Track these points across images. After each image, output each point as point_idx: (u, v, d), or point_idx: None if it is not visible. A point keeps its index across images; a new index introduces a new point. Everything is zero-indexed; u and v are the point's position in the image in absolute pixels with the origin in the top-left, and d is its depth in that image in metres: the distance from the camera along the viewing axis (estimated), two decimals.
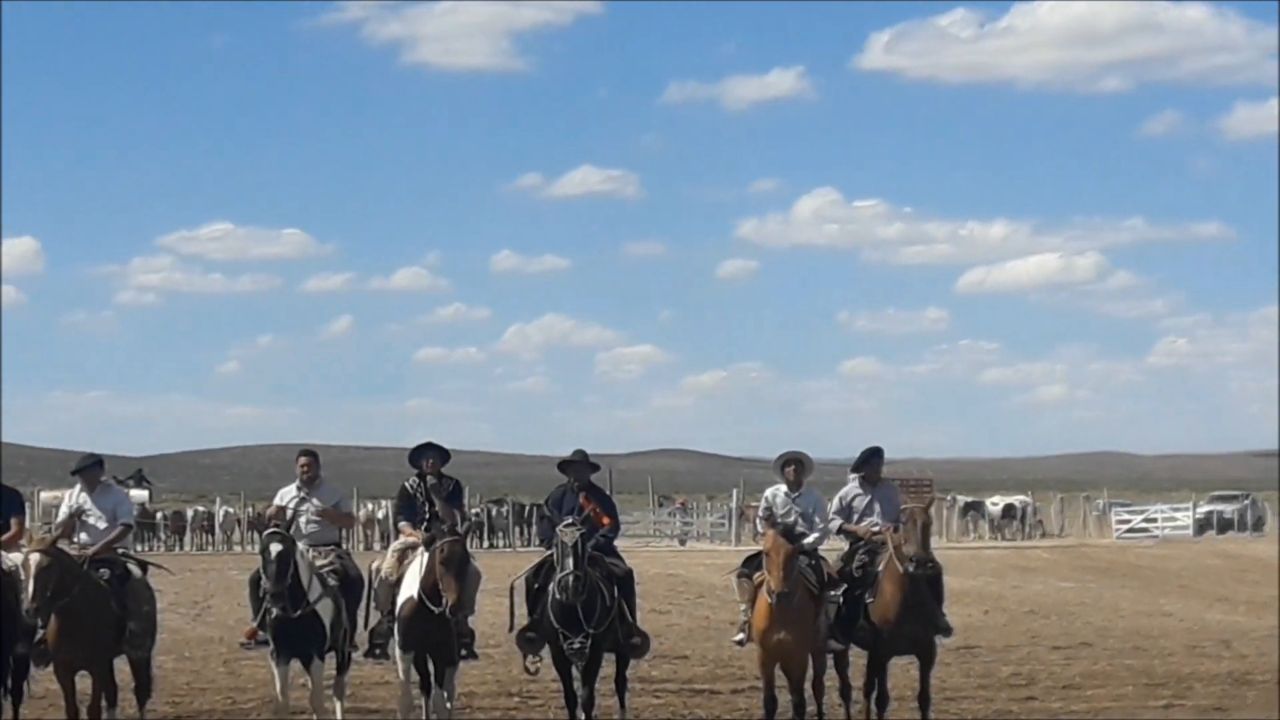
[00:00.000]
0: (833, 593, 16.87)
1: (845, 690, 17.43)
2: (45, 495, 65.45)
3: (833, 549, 17.49)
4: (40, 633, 15.79)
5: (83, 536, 16.61)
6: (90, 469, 16.91)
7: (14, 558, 16.12)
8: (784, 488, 17.26)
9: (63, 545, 16.07)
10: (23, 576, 15.62)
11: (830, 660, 17.25)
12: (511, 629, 17.30)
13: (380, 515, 64.10)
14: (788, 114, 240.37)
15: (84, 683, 16.13)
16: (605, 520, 17.03)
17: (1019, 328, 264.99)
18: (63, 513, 16.90)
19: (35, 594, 15.39)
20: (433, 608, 16.11)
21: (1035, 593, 38.46)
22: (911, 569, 16.52)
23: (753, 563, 16.92)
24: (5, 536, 16.29)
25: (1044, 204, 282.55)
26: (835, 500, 17.57)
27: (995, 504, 74.26)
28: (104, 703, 16.16)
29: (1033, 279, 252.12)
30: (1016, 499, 75.86)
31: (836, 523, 17.40)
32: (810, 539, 16.83)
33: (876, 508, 17.35)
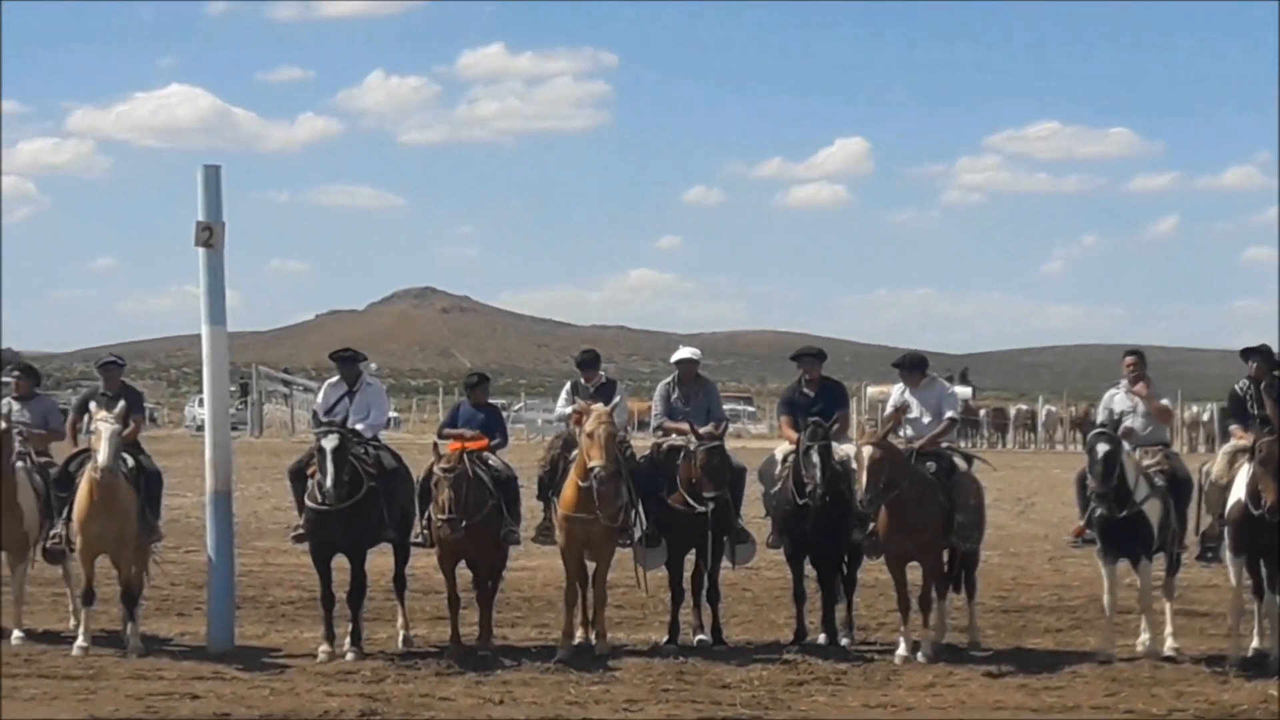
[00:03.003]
0: None
1: None
2: (871, 390, 67.61)
3: None
4: (871, 524, 16.25)
5: (907, 430, 16.94)
6: (912, 370, 17.18)
7: (846, 449, 16.63)
8: None
9: (890, 439, 16.45)
10: (855, 468, 16.12)
11: None
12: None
13: (1204, 418, 62.86)
14: None
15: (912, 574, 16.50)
16: None
17: None
18: (889, 407, 17.29)
19: (868, 485, 15.83)
20: (1252, 510, 15.65)
21: None
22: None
23: None
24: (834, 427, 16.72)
25: None
26: None
27: None
28: (936, 593, 16.42)
29: None
30: None
31: None
32: None
33: None
